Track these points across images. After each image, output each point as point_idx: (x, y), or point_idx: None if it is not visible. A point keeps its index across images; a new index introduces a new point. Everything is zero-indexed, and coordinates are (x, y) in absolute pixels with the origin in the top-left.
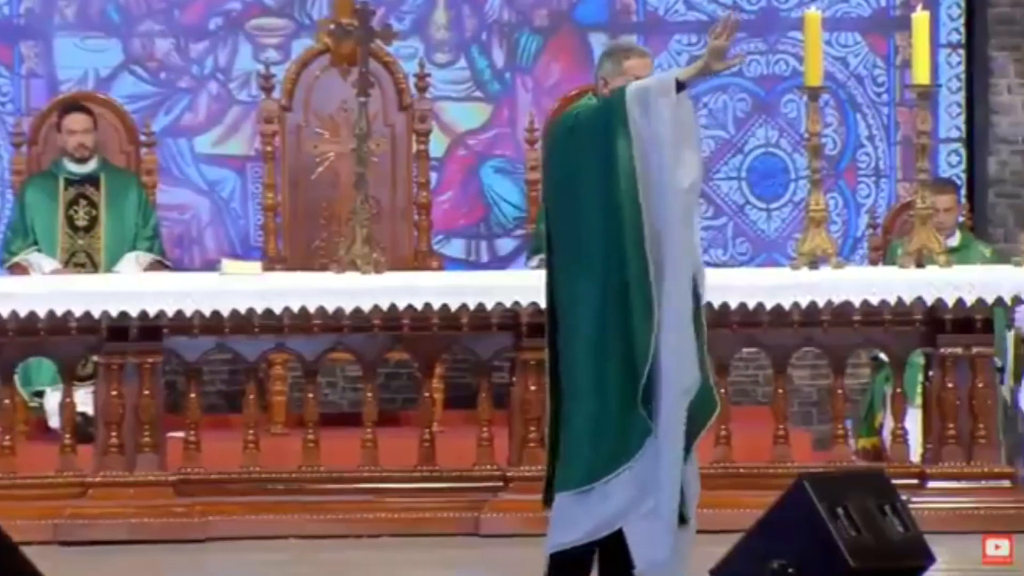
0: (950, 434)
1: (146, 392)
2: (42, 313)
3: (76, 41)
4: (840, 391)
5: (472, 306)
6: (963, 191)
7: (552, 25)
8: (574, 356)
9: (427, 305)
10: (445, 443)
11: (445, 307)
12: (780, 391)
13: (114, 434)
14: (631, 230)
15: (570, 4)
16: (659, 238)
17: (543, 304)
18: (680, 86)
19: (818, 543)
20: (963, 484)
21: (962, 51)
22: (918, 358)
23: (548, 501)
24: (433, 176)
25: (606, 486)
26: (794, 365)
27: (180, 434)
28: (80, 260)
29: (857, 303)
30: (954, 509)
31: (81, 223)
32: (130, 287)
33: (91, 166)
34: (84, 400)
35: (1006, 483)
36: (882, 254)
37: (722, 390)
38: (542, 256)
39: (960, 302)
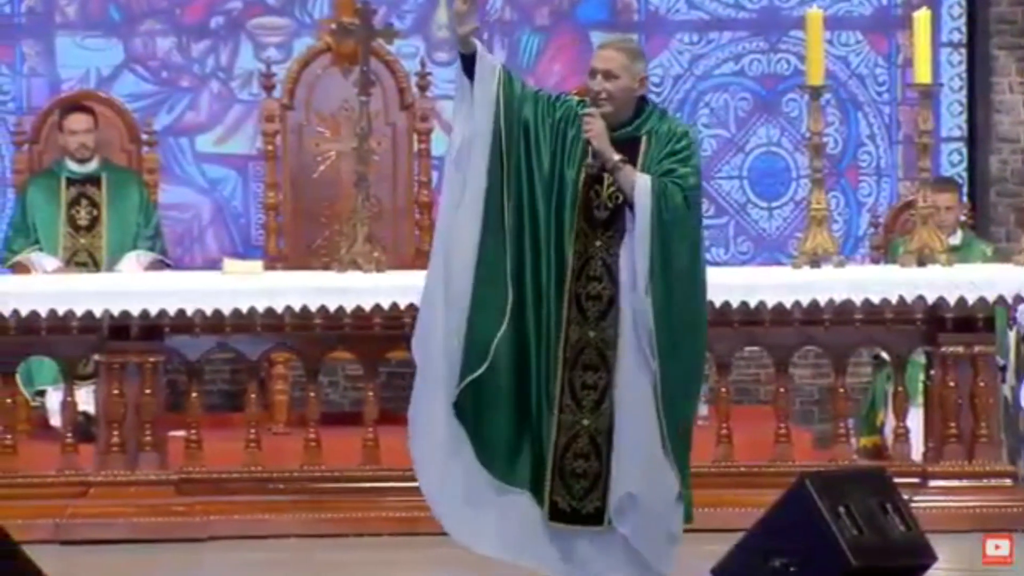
0: (951, 433)
1: (147, 391)
2: (43, 312)
3: (77, 40)
4: (841, 390)
5: None
6: (964, 190)
7: (553, 24)
8: None
9: None
10: None
11: None
12: (781, 390)
13: (115, 433)
14: None
15: (571, 3)
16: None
17: None
18: (466, 58)
19: (820, 542)
20: (964, 483)
21: (963, 50)
22: (919, 357)
23: None
24: (434, 175)
25: None
26: (795, 364)
27: (181, 433)
28: (82, 259)
29: (858, 302)
30: (955, 508)
31: (83, 222)
32: (131, 286)
33: (92, 166)
34: (85, 399)
35: (1007, 482)
36: (883, 253)
37: (723, 389)
38: None
39: (961, 301)
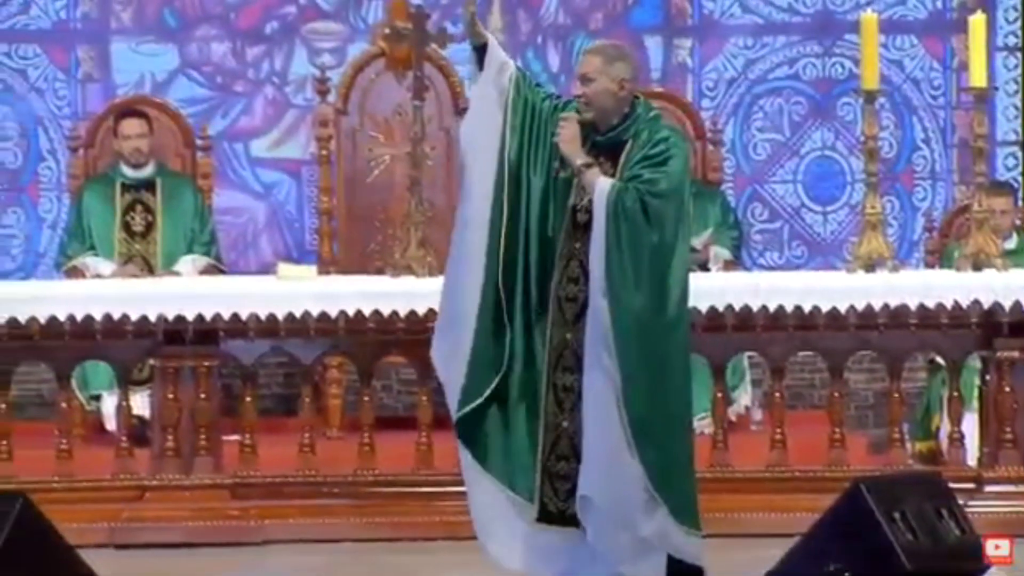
0: (1007, 437)
1: (202, 395)
2: (98, 316)
3: (132, 45)
4: (896, 394)
5: None
6: (1020, 194)
7: (607, 28)
8: None
9: None
10: None
11: None
12: (836, 394)
13: (170, 437)
14: None
15: (625, 7)
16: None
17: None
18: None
19: (875, 547)
20: (1020, 487)
21: (1019, 54)
22: (975, 361)
23: None
24: None
25: None
26: (850, 368)
27: (236, 437)
28: (137, 265)
29: (913, 306)
30: (1011, 512)
31: (138, 228)
32: (186, 290)
33: (148, 171)
34: (141, 403)
35: None
36: (939, 257)
37: (778, 393)
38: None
39: (1017, 305)
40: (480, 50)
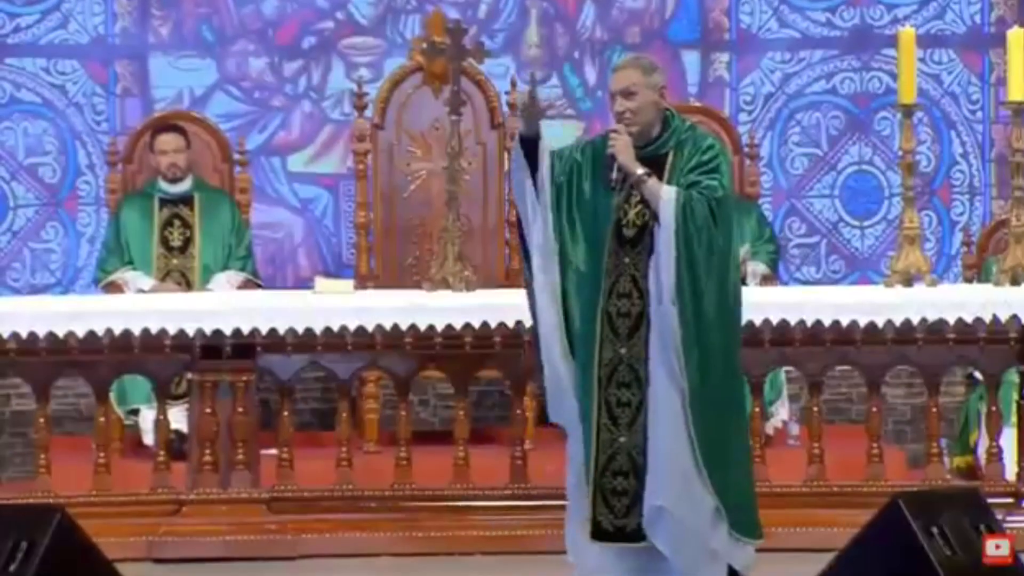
0: None
1: (240, 410)
2: (136, 331)
3: (171, 60)
4: (934, 409)
5: None
6: None
7: (644, 43)
8: None
9: (518, 323)
10: (537, 460)
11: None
12: (874, 409)
13: (208, 452)
14: None
15: (662, 22)
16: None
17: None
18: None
19: (913, 562)
20: None
21: None
22: (1013, 376)
23: None
24: None
25: None
26: (888, 383)
27: (273, 451)
28: (175, 280)
29: (951, 321)
30: None
31: (176, 243)
32: (224, 305)
33: (185, 186)
34: (178, 418)
35: None
36: (977, 272)
37: (815, 408)
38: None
39: None
40: (528, 142)
